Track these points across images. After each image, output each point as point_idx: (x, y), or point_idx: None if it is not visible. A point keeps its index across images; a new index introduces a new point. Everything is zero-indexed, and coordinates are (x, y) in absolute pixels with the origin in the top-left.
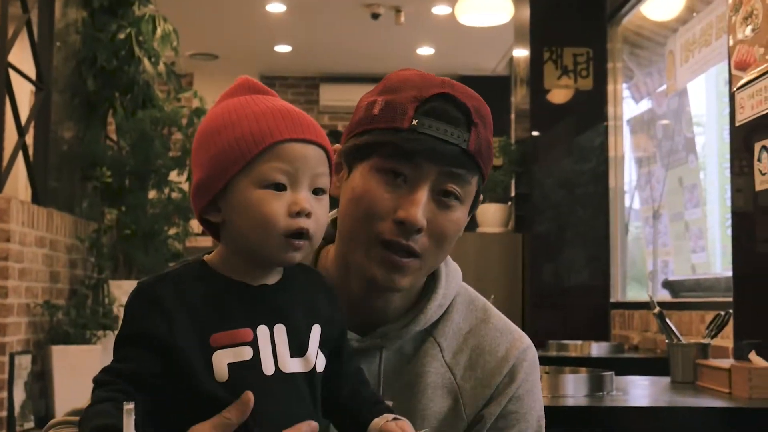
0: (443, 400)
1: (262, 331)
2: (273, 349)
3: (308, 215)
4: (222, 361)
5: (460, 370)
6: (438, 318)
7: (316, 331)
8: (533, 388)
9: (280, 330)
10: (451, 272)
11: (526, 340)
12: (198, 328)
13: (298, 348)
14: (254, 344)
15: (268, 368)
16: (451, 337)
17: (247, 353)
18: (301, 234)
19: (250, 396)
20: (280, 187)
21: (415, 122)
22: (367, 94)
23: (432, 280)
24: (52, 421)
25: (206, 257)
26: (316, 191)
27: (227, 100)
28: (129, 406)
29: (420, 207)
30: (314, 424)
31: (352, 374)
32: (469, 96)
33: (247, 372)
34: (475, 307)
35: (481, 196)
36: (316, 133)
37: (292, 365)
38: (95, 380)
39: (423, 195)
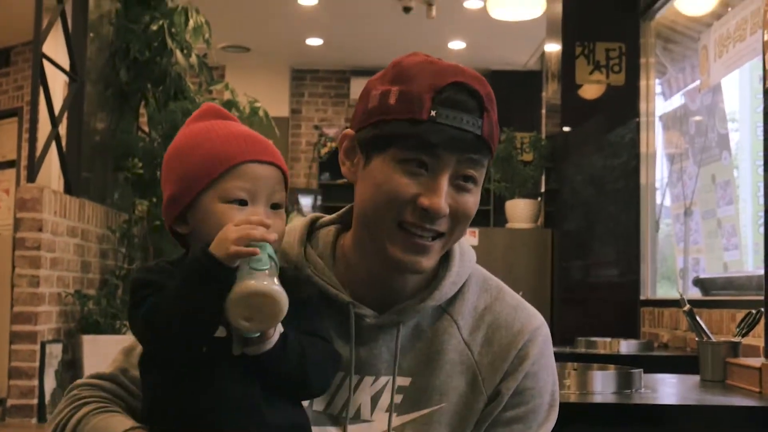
0: (462, 376)
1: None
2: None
3: (265, 227)
4: None
5: (477, 347)
6: (453, 296)
7: None
8: (547, 364)
9: None
10: (465, 253)
11: (539, 318)
12: None
13: None
14: (226, 325)
15: (236, 350)
16: (467, 315)
17: (221, 331)
18: None
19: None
20: (242, 203)
21: (433, 113)
22: (376, 81)
23: (445, 259)
24: (77, 381)
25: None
26: (274, 206)
27: (195, 124)
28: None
29: (443, 195)
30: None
31: None
32: (479, 81)
33: (222, 347)
34: (488, 287)
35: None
36: (274, 156)
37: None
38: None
39: (444, 183)
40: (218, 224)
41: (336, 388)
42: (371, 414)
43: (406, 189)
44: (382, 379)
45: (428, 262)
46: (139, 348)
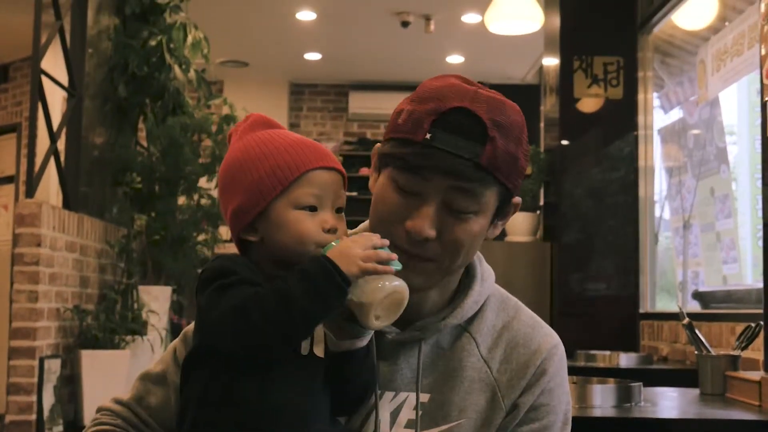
0: (481, 393)
1: None
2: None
3: (335, 231)
4: None
5: (496, 364)
6: (473, 315)
7: None
8: (562, 381)
9: None
10: (486, 272)
11: (555, 337)
12: None
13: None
14: None
15: (305, 348)
16: (485, 333)
17: None
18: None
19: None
20: (312, 209)
21: (428, 136)
22: (404, 100)
23: (468, 279)
24: (102, 404)
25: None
26: (338, 210)
27: (250, 136)
28: None
29: (427, 220)
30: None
31: None
32: (493, 108)
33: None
34: (506, 306)
35: (517, 201)
36: (335, 161)
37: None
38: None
39: (431, 209)
40: (293, 230)
41: None
42: (390, 430)
43: (395, 210)
44: (402, 395)
45: (420, 280)
46: (155, 371)
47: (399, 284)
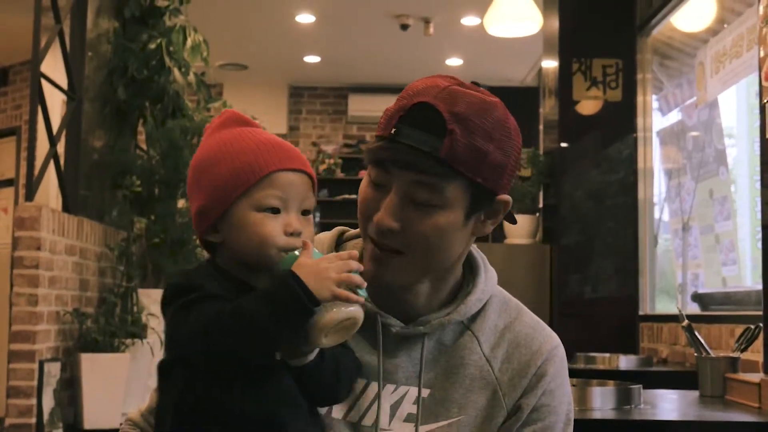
0: (482, 391)
1: None
2: None
3: (298, 234)
4: None
5: (498, 363)
6: (476, 313)
7: None
8: (563, 382)
9: None
10: (489, 272)
11: (556, 338)
12: None
13: None
14: None
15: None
16: (488, 332)
17: None
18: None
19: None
20: (275, 211)
21: (393, 131)
22: None
23: (471, 277)
24: (130, 414)
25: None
26: (305, 212)
27: (220, 133)
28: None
29: (388, 211)
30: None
31: None
32: (463, 103)
33: None
34: (508, 307)
35: (504, 198)
36: (302, 163)
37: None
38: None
39: (392, 200)
40: (253, 232)
41: (356, 395)
42: (389, 423)
43: (369, 204)
44: (402, 389)
45: (389, 275)
46: None
47: (355, 310)
